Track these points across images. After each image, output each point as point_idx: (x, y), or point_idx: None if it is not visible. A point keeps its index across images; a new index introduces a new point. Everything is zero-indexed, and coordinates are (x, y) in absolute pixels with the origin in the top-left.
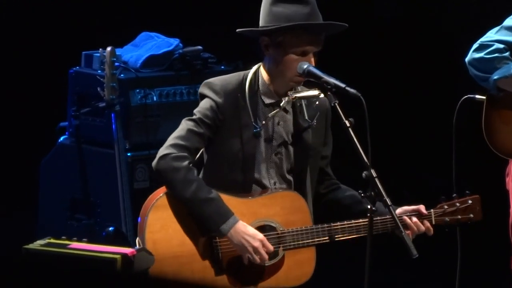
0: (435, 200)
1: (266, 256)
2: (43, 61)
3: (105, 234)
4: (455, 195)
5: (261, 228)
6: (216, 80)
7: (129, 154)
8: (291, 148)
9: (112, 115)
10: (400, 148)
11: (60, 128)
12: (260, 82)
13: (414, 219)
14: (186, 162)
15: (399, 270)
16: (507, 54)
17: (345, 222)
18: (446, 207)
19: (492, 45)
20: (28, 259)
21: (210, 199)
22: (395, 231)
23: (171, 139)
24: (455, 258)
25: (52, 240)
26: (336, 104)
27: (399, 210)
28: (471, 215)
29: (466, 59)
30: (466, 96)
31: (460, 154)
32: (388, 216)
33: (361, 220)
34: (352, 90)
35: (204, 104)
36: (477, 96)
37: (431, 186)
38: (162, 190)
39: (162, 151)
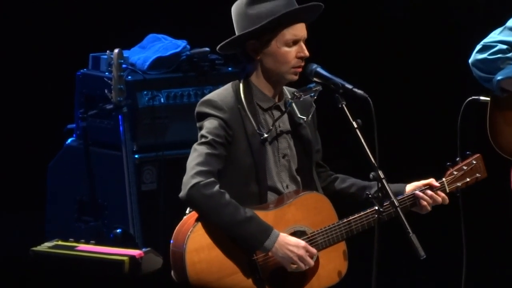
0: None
1: (312, 262)
2: (51, 63)
3: (112, 236)
4: (458, 158)
5: (292, 235)
6: (213, 97)
7: (136, 156)
8: (294, 148)
9: (120, 117)
10: (405, 149)
11: (68, 130)
12: (253, 89)
13: (429, 192)
14: (217, 187)
15: (404, 270)
16: (510, 54)
17: (368, 211)
18: (455, 173)
19: (495, 46)
20: (36, 261)
21: (249, 218)
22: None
23: (193, 167)
24: (460, 260)
25: (60, 242)
26: (344, 105)
27: (410, 187)
28: (478, 175)
29: (470, 61)
30: (470, 98)
31: (464, 156)
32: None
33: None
34: (359, 91)
35: (211, 123)
36: (482, 98)
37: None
38: (192, 218)
39: (189, 181)
